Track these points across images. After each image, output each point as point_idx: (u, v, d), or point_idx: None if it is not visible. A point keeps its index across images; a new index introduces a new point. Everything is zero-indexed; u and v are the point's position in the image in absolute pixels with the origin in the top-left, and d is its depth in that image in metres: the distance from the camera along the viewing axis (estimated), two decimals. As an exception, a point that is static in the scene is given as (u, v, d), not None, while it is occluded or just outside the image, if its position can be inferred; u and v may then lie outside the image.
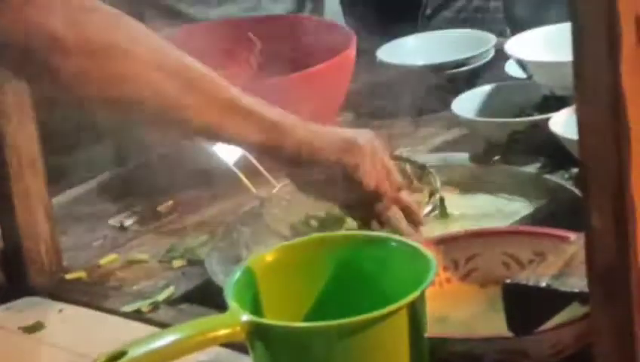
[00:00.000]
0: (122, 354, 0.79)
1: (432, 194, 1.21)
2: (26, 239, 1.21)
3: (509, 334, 0.88)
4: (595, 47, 0.72)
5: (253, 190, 1.24)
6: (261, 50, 1.52)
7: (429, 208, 1.19)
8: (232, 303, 0.84)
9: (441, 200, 1.21)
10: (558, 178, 1.25)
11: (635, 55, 0.72)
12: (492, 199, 1.25)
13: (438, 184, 1.21)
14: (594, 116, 0.73)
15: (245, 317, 0.82)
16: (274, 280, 0.89)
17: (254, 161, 1.24)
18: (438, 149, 1.40)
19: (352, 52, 1.45)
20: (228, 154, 1.27)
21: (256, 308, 0.87)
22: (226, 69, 1.46)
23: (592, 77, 0.72)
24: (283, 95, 1.35)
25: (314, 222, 1.23)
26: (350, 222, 1.19)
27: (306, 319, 0.89)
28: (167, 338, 0.80)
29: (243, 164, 1.25)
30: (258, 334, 0.82)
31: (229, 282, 0.87)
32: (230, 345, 1.01)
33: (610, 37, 0.71)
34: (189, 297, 1.17)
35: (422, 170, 1.23)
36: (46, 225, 1.23)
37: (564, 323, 0.89)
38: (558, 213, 1.17)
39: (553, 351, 0.91)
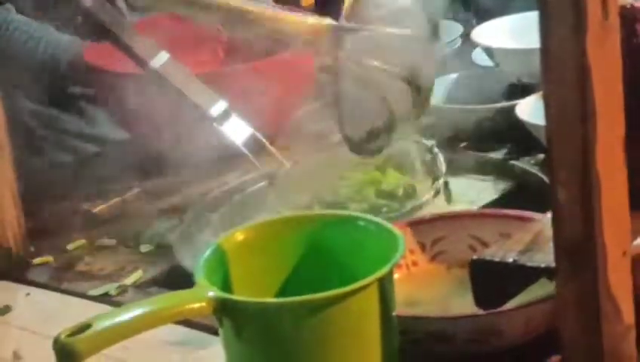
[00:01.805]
0: (87, 326, 0.79)
1: (436, 179, 1.20)
2: (-8, 224, 1.21)
3: (481, 312, 0.89)
4: (561, 23, 0.73)
5: (260, 167, 1.24)
6: (229, 38, 1.52)
7: (433, 192, 1.19)
8: (200, 279, 0.84)
9: (446, 183, 1.21)
10: (524, 163, 1.26)
11: (600, 31, 0.73)
12: (460, 182, 1.25)
13: (444, 167, 1.21)
14: (560, 91, 0.74)
15: (212, 292, 0.82)
16: (244, 259, 0.90)
17: (264, 140, 1.26)
18: (405, 136, 1.41)
19: None
20: (236, 134, 1.27)
21: (226, 287, 0.87)
22: (194, 56, 1.47)
23: (558, 52, 0.73)
24: (248, 82, 1.36)
25: (318, 207, 1.23)
26: (354, 207, 1.19)
27: (276, 296, 0.90)
28: (132, 312, 0.80)
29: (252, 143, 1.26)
30: (225, 310, 0.82)
31: (199, 260, 0.87)
32: (200, 325, 1.02)
33: (575, 12, 0.72)
34: (157, 281, 1.17)
35: (430, 152, 1.23)
36: (13, 210, 1.22)
37: (536, 301, 0.90)
38: (524, 197, 1.18)
39: (525, 329, 0.92)
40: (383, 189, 1.22)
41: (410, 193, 1.20)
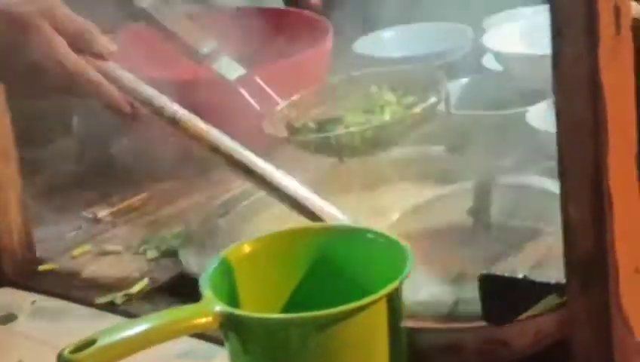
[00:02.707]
0: (92, 342, 0.78)
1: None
2: (-2, 230, 1.20)
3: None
4: (573, 37, 0.72)
5: (257, 106, 1.24)
6: (234, 42, 1.51)
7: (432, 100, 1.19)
8: (206, 292, 0.83)
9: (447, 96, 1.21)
10: (534, 171, 1.25)
11: (613, 46, 0.72)
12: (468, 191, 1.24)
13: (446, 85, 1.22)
14: (572, 107, 0.73)
15: (219, 307, 0.81)
16: (251, 270, 0.89)
17: (258, 80, 1.26)
18: (414, 142, 1.40)
19: (327, 45, 1.44)
20: (229, 71, 1.28)
21: (233, 299, 0.86)
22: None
23: (571, 68, 0.72)
24: (257, 87, 1.35)
25: (312, 124, 1.24)
26: (350, 119, 1.19)
27: (284, 310, 0.89)
28: (138, 327, 0.79)
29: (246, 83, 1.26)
30: (232, 325, 0.81)
31: (205, 272, 0.86)
32: (206, 336, 1.01)
33: (589, 28, 0.71)
34: (163, 289, 1.16)
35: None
36: (19, 216, 1.22)
37: (545, 311, 0.88)
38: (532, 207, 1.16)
39: (534, 339, 0.91)
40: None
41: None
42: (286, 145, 1.24)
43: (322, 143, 1.16)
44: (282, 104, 1.27)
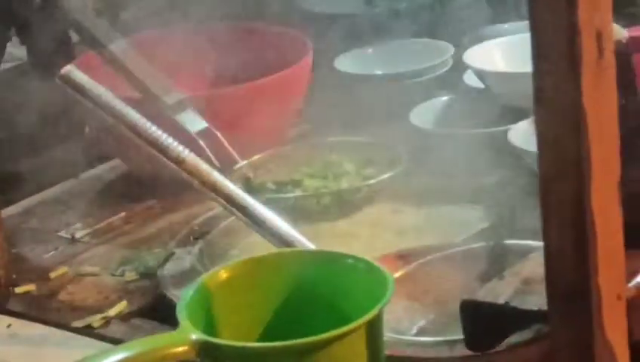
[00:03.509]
0: (66, 374, 0.77)
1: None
2: (-26, 252, 1.18)
3: (476, 353, 0.86)
4: (556, 62, 0.70)
5: (216, 162, 1.23)
6: (215, 59, 1.50)
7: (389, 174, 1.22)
8: (183, 321, 0.81)
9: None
10: (516, 189, 1.24)
11: (596, 71, 0.71)
12: (451, 210, 1.23)
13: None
14: (554, 131, 0.72)
15: (195, 335, 0.80)
16: (229, 297, 0.87)
17: (219, 135, 1.25)
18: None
19: (307, 62, 1.43)
20: (192, 124, 1.26)
21: (210, 326, 0.85)
22: (181, 77, 1.45)
23: (553, 92, 0.71)
24: (237, 105, 1.34)
25: (270, 185, 1.25)
26: (308, 183, 1.20)
27: (262, 337, 0.87)
28: (114, 357, 0.78)
29: (207, 137, 1.27)
30: (209, 353, 0.80)
31: (182, 299, 0.85)
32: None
33: (570, 51, 0.70)
34: (141, 312, 1.15)
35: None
36: (-4, 237, 1.20)
37: (533, 341, 0.87)
38: (516, 226, 1.16)
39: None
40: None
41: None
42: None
43: (278, 204, 1.17)
44: (241, 163, 1.28)
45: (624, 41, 0.85)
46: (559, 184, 0.72)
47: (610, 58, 0.72)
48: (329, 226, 1.21)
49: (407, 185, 1.26)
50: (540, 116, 0.73)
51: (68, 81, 1.09)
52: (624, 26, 0.93)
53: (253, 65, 1.47)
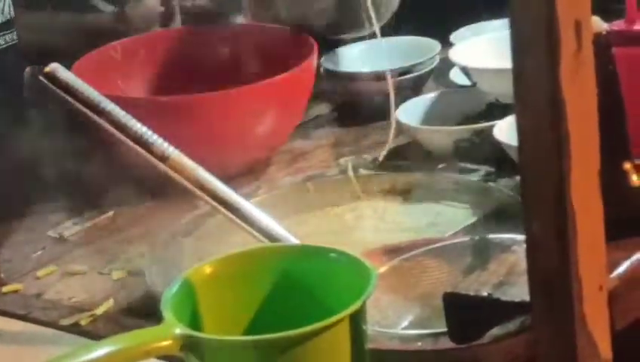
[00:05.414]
0: (47, 369, 0.77)
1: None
2: (-39, 251, 1.19)
3: (460, 345, 0.86)
4: (535, 54, 0.71)
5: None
6: (218, 59, 1.50)
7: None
8: (166, 315, 0.82)
9: None
10: (502, 186, 1.24)
11: (575, 62, 0.71)
12: (437, 206, 1.24)
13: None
14: (534, 123, 0.72)
15: (179, 329, 0.80)
16: (213, 291, 0.87)
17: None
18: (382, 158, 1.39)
19: (312, 61, 1.42)
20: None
21: (195, 322, 0.85)
22: (182, 78, 1.45)
23: (532, 84, 0.72)
24: (242, 106, 1.34)
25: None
26: None
27: (247, 331, 0.87)
28: (98, 351, 0.78)
29: None
30: (193, 347, 0.80)
31: (166, 294, 0.85)
32: (172, 359, 0.99)
33: (549, 43, 0.70)
34: (129, 310, 1.15)
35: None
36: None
37: (516, 332, 0.87)
38: (501, 221, 1.16)
39: (505, 360, 0.90)
40: None
41: None
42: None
43: None
44: None
45: (604, 33, 0.86)
46: (539, 176, 0.73)
47: (589, 50, 0.72)
48: (315, 222, 1.21)
49: (394, 182, 1.26)
50: (520, 108, 0.73)
51: (52, 79, 1.09)
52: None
53: (258, 65, 1.46)
